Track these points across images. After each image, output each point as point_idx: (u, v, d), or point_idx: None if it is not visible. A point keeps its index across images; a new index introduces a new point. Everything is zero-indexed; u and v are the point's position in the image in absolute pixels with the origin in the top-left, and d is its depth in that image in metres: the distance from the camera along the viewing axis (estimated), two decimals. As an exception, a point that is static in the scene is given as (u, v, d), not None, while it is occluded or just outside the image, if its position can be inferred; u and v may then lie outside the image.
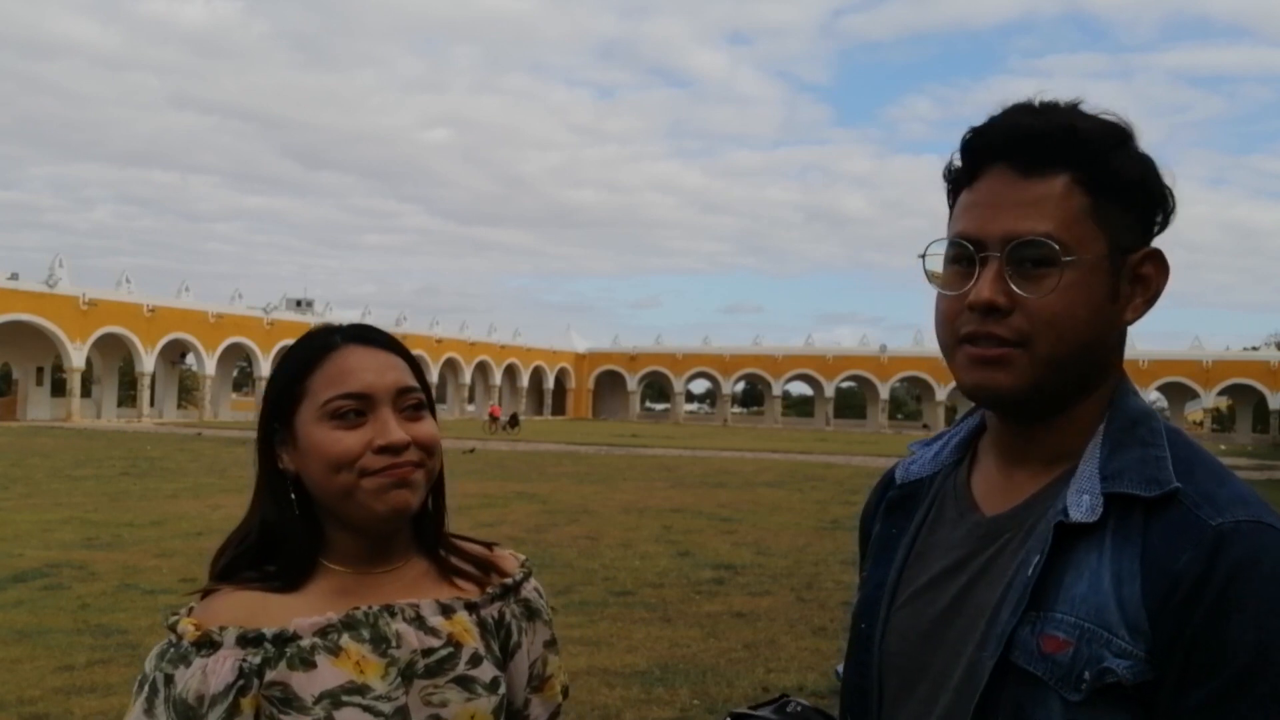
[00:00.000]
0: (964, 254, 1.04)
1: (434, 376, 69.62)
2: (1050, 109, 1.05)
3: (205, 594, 1.24)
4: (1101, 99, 1.06)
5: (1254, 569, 0.91)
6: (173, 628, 1.18)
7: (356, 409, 1.19)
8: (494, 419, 50.45)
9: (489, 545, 1.39)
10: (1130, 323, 1.06)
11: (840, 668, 1.21)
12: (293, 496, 1.23)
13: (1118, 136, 1.03)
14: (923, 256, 1.08)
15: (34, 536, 11.52)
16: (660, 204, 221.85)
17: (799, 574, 10.18)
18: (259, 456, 1.26)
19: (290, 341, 1.38)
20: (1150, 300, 1.06)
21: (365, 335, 1.27)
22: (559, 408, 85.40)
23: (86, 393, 53.49)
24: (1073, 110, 1.05)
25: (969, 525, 1.10)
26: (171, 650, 1.16)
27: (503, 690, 1.24)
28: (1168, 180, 1.06)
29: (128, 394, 58.43)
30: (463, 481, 19.15)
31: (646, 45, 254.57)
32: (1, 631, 7.15)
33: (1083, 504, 0.98)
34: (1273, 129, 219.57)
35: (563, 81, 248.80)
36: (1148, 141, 1.06)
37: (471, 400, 75.58)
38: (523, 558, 1.41)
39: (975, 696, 0.99)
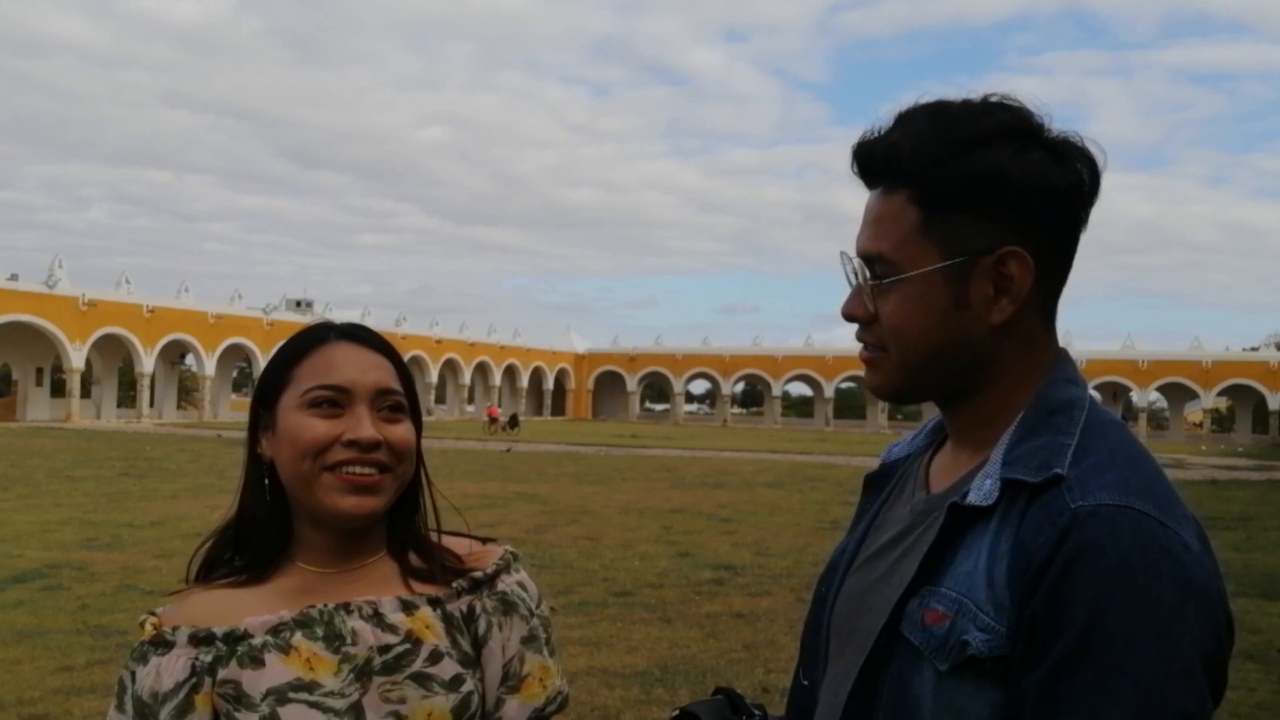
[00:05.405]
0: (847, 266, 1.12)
1: (433, 377, 69.62)
2: (906, 119, 1.06)
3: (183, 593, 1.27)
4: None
5: (1098, 552, 0.91)
6: (141, 626, 1.21)
7: (333, 400, 1.21)
8: (493, 420, 50.43)
9: (485, 540, 1.36)
10: (998, 323, 1.04)
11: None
12: (266, 482, 1.24)
13: (953, 145, 1.02)
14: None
15: (34, 537, 11.52)
16: (658, 203, 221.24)
17: (799, 574, 10.16)
18: (247, 442, 1.28)
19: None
20: (1016, 299, 1.03)
21: (357, 334, 1.29)
22: (559, 408, 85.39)
23: (86, 393, 53.47)
24: (926, 119, 1.05)
25: (914, 502, 1.15)
26: (137, 649, 1.20)
27: (466, 689, 1.21)
28: (1085, 162, 1.04)
29: (127, 394, 58.44)
30: (463, 482, 19.15)
31: (642, 42, 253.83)
32: (1, 632, 7.16)
33: (984, 488, 1.01)
34: (1273, 127, 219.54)
35: (558, 79, 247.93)
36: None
37: (471, 401, 75.58)
38: (505, 549, 1.35)
39: (861, 661, 1.06)
